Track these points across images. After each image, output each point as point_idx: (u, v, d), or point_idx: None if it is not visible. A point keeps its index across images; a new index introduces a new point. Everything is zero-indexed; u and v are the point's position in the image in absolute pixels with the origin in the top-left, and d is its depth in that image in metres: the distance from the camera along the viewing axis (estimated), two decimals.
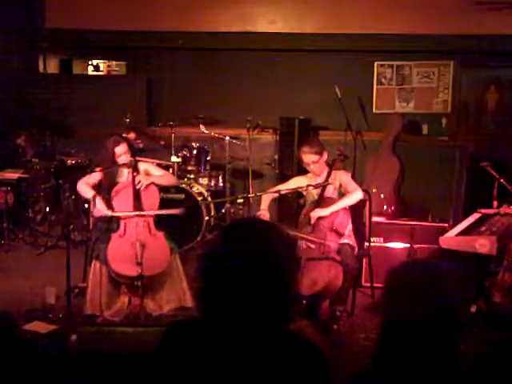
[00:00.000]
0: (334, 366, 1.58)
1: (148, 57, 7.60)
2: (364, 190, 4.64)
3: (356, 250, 4.39)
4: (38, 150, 6.50)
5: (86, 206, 5.12)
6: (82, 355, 3.43)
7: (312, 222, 4.28)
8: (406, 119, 7.03)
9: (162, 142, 6.44)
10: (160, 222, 4.48)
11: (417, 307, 1.59)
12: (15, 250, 5.85)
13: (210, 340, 1.50)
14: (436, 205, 6.44)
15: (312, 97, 7.19)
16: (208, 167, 6.33)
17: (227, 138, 6.39)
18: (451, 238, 4.28)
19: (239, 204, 6.45)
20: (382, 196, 6.24)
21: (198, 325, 1.56)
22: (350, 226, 4.43)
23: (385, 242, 5.05)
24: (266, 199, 4.55)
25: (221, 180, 6.42)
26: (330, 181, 4.43)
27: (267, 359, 1.46)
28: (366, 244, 4.71)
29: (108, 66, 8.40)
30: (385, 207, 5.95)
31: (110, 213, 4.30)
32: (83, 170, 6.09)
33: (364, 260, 4.85)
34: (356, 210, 4.70)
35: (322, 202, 4.39)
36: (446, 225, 5.06)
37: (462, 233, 4.33)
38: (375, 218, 5.04)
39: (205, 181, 6.28)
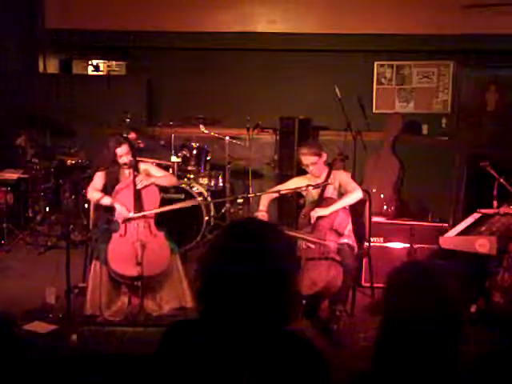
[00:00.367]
0: (333, 366, 1.59)
1: (148, 57, 7.59)
2: (364, 190, 4.64)
3: (356, 249, 4.39)
4: (37, 150, 6.50)
5: (86, 206, 5.12)
6: (82, 355, 3.43)
7: (312, 221, 4.29)
8: (405, 119, 7.03)
9: (162, 142, 6.44)
10: (160, 222, 4.49)
11: (417, 307, 1.59)
12: (15, 249, 5.85)
13: (210, 340, 1.50)
14: (436, 205, 6.43)
15: (312, 97, 7.19)
16: (208, 167, 6.33)
17: (227, 138, 6.39)
18: (451, 238, 4.28)
19: (239, 204, 6.45)
20: (382, 196, 6.24)
21: (198, 325, 1.56)
22: (349, 226, 4.44)
23: (385, 242, 5.05)
24: (265, 200, 4.55)
25: (221, 180, 6.42)
26: (329, 181, 4.43)
27: (267, 359, 1.46)
28: (366, 244, 4.71)
29: (108, 66, 8.40)
30: (385, 207, 5.95)
31: (131, 214, 4.31)
32: (83, 170, 6.11)
33: (364, 260, 4.85)
34: (356, 210, 4.71)
35: (321, 201, 4.39)
36: (446, 225, 5.07)
37: (462, 233, 4.33)
38: (375, 218, 5.04)
39: (205, 181, 6.28)
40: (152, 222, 4.41)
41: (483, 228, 4.28)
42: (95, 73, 8.25)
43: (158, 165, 5.25)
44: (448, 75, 7.35)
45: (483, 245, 3.99)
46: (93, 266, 4.26)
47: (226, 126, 6.66)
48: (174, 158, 6.14)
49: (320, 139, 6.77)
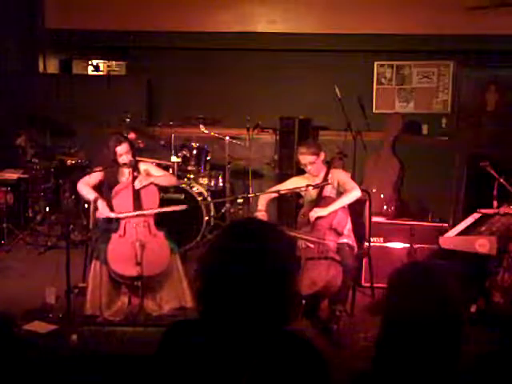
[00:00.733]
0: (333, 366, 1.59)
1: (148, 57, 7.59)
2: (364, 190, 4.64)
3: (355, 249, 4.39)
4: (37, 150, 6.50)
5: (86, 206, 5.12)
6: (82, 355, 3.43)
7: (311, 220, 4.29)
8: (405, 119, 7.03)
9: (162, 142, 6.44)
10: (160, 222, 4.49)
11: (418, 307, 1.59)
12: (15, 249, 5.85)
13: (210, 340, 1.50)
14: (436, 205, 6.43)
15: (312, 97, 7.19)
16: (208, 167, 6.33)
17: (227, 138, 6.39)
18: (451, 238, 4.28)
19: (239, 204, 6.45)
20: (382, 196, 6.24)
21: (198, 325, 1.56)
22: (349, 226, 4.44)
23: (385, 242, 5.05)
24: (263, 200, 4.56)
25: (221, 180, 6.41)
26: (329, 180, 4.43)
27: (267, 359, 1.46)
28: (366, 244, 4.71)
29: (108, 66, 8.40)
30: (385, 207, 5.95)
31: (112, 214, 4.31)
32: (83, 170, 6.10)
33: (364, 260, 4.85)
34: (356, 210, 4.71)
35: (320, 201, 4.39)
36: (446, 225, 5.07)
37: (462, 233, 4.33)
38: (375, 218, 5.04)
39: (205, 181, 6.28)
40: (152, 221, 4.41)
41: (483, 228, 4.28)
42: (95, 73, 8.25)
43: (158, 165, 5.25)
44: (448, 75, 7.35)
45: (483, 245, 3.99)
46: (93, 266, 4.26)
47: (225, 125, 6.66)
48: (173, 158, 6.14)
49: (320, 139, 6.77)
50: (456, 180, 6.74)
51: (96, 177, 4.51)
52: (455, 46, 7.10)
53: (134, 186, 4.38)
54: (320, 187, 4.45)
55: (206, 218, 5.81)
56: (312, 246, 4.18)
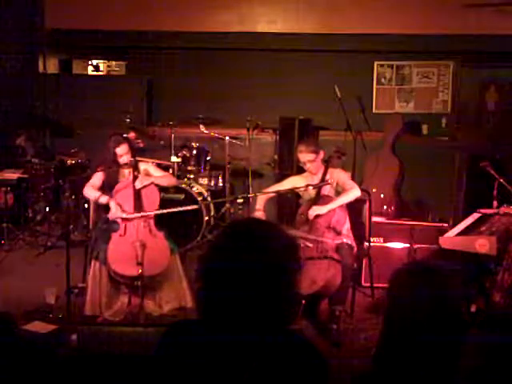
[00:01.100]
0: (333, 365, 1.59)
1: (148, 57, 7.59)
2: (364, 190, 4.64)
3: (355, 249, 4.39)
4: (37, 150, 6.50)
5: (86, 206, 5.12)
6: (82, 355, 3.43)
7: (310, 218, 4.28)
8: (405, 119, 7.03)
9: (162, 142, 6.44)
10: (160, 221, 4.49)
11: (420, 307, 1.59)
12: (15, 249, 5.85)
13: (211, 340, 1.50)
14: (436, 205, 6.43)
15: (312, 97, 7.19)
16: (208, 167, 6.33)
17: (227, 138, 6.39)
18: (451, 238, 4.28)
19: (239, 204, 6.44)
20: (382, 196, 6.24)
21: (198, 325, 1.56)
22: (347, 226, 4.43)
23: (385, 242, 5.05)
24: (261, 199, 4.56)
25: (221, 180, 6.42)
26: (327, 179, 4.42)
27: (268, 359, 1.46)
28: (366, 244, 4.71)
29: (108, 66, 8.40)
30: (385, 207, 5.95)
31: (124, 215, 4.31)
32: (83, 170, 6.11)
33: (364, 260, 4.85)
34: (355, 210, 4.70)
35: (318, 200, 4.39)
36: (446, 225, 5.07)
37: (462, 233, 4.32)
38: (375, 218, 5.04)
39: (205, 181, 6.28)
40: (152, 222, 4.41)
41: (483, 228, 4.28)
42: (95, 73, 8.26)
43: (158, 165, 5.25)
44: (448, 75, 7.35)
45: (483, 245, 3.99)
46: (93, 265, 4.26)
47: (225, 126, 6.66)
48: (173, 158, 6.14)
49: (320, 139, 6.77)
50: (456, 180, 6.74)
51: (99, 178, 4.52)
52: (455, 46, 7.10)
53: (134, 186, 4.39)
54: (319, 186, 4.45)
55: (206, 218, 5.82)
56: (311, 245, 4.17)
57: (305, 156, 4.43)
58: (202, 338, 1.52)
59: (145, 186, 4.44)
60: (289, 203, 6.19)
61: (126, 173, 4.52)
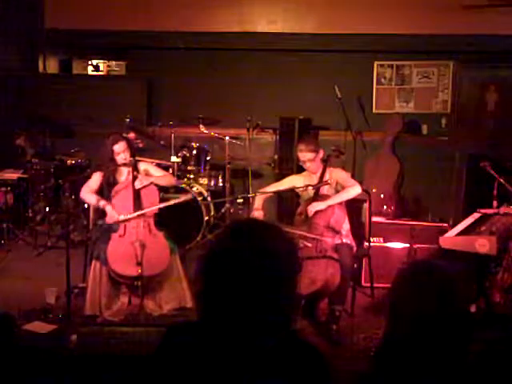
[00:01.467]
0: (333, 366, 1.58)
1: (148, 57, 7.59)
2: (364, 190, 4.64)
3: (354, 249, 4.39)
4: (38, 150, 6.50)
5: (86, 206, 5.12)
6: (82, 355, 3.43)
7: (309, 215, 4.28)
8: (405, 119, 7.03)
9: (162, 142, 6.44)
10: (160, 221, 4.49)
11: (424, 308, 1.59)
12: (15, 249, 5.85)
13: (211, 342, 1.50)
14: (436, 205, 6.43)
15: (312, 97, 7.19)
16: (208, 167, 6.33)
17: (227, 138, 6.39)
18: (451, 237, 4.28)
19: (239, 204, 6.44)
20: (382, 196, 6.24)
21: (197, 327, 1.55)
22: (347, 226, 4.43)
23: (385, 241, 5.05)
24: (260, 198, 4.56)
25: (221, 180, 6.42)
26: (327, 179, 4.42)
27: (268, 361, 1.46)
28: (366, 244, 4.71)
29: (108, 66, 8.41)
30: (385, 207, 5.94)
31: (122, 217, 4.31)
32: (83, 170, 6.11)
33: (364, 260, 4.85)
34: (355, 210, 4.70)
35: (317, 198, 4.39)
36: (446, 225, 5.07)
37: (462, 233, 4.32)
38: (375, 218, 5.04)
39: (205, 181, 6.28)
40: (152, 221, 4.41)
41: (483, 228, 4.28)
42: (95, 73, 8.26)
43: (158, 165, 5.25)
44: (448, 75, 7.35)
45: (483, 245, 3.99)
46: (92, 266, 4.26)
47: (225, 125, 6.66)
48: (173, 158, 6.14)
49: (320, 139, 6.76)
50: (456, 180, 6.74)
51: (96, 180, 4.50)
52: (455, 46, 7.09)
53: (134, 186, 4.38)
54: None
55: (206, 217, 5.82)
56: (310, 245, 4.17)
57: (305, 155, 4.43)
58: (201, 339, 1.51)
59: (144, 186, 4.44)
60: (288, 202, 6.19)
61: (125, 172, 4.52)
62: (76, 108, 7.00)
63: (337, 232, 4.32)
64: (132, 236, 4.27)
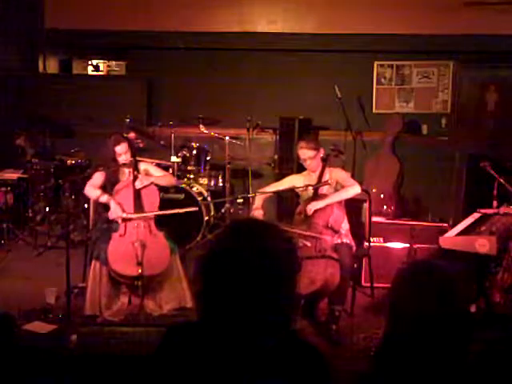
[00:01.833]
0: (333, 366, 1.58)
1: (148, 57, 7.59)
2: (364, 190, 4.64)
3: (354, 248, 4.39)
4: (38, 150, 6.50)
5: (86, 205, 5.13)
6: (82, 355, 3.43)
7: (309, 213, 4.28)
8: (405, 119, 7.03)
9: (162, 142, 6.44)
10: (160, 221, 4.49)
11: (424, 308, 1.59)
12: (15, 249, 5.85)
13: (211, 342, 1.50)
14: (436, 205, 6.43)
15: (312, 97, 7.19)
16: (208, 167, 6.33)
17: (227, 138, 6.39)
18: (451, 237, 4.28)
19: (239, 204, 6.45)
20: (382, 196, 6.24)
21: (197, 327, 1.55)
22: (346, 226, 4.43)
23: (385, 241, 5.05)
24: (260, 198, 4.56)
25: (220, 180, 6.42)
26: (327, 179, 4.42)
27: (268, 361, 1.46)
28: (366, 244, 4.71)
29: (108, 66, 8.41)
30: (384, 207, 5.95)
31: (124, 214, 4.31)
32: (83, 170, 6.11)
33: (364, 260, 4.85)
34: (355, 210, 4.71)
35: (316, 198, 4.39)
36: (446, 225, 5.07)
37: (462, 233, 4.32)
38: (375, 218, 5.04)
39: (204, 181, 6.28)
40: (152, 221, 4.41)
41: (483, 228, 4.28)
42: (95, 73, 8.26)
43: (158, 165, 5.25)
44: (448, 75, 7.34)
45: (483, 245, 3.99)
46: (93, 266, 4.26)
47: (225, 125, 6.66)
48: (173, 158, 6.14)
49: (320, 139, 6.76)
50: (456, 180, 6.74)
51: (99, 178, 4.51)
52: (455, 46, 7.09)
53: (134, 186, 4.38)
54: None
55: (206, 217, 5.82)
56: (309, 244, 4.17)
57: (305, 152, 4.43)
58: (201, 340, 1.51)
59: (145, 186, 4.44)
60: (288, 202, 6.19)
61: (127, 172, 4.52)
62: (76, 108, 7.00)
63: (336, 231, 4.32)
64: (132, 236, 4.27)
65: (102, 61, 8.35)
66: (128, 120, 6.27)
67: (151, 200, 4.45)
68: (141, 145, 6.08)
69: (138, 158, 4.72)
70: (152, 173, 4.64)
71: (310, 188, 4.43)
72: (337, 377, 1.56)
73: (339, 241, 4.29)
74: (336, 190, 4.45)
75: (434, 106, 7.42)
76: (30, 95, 7.12)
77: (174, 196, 5.69)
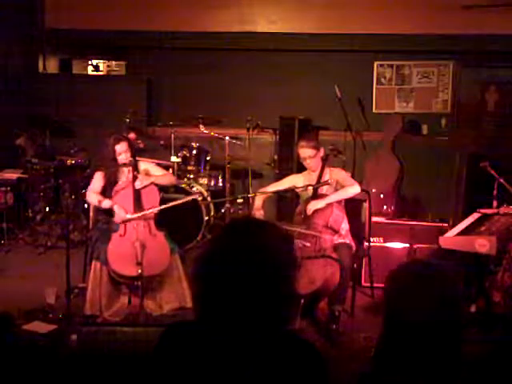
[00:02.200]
0: (333, 366, 1.59)
1: (148, 57, 7.59)
2: (364, 190, 4.64)
3: (353, 248, 4.39)
4: (37, 150, 6.50)
5: (86, 206, 5.13)
6: (82, 355, 3.43)
7: (308, 213, 4.28)
8: (405, 119, 7.03)
9: (162, 142, 6.44)
10: (160, 222, 4.49)
11: (419, 306, 1.59)
12: (15, 249, 5.85)
13: (208, 341, 1.50)
14: (436, 205, 6.43)
15: (312, 97, 7.19)
16: (208, 167, 6.33)
17: (227, 138, 6.39)
18: (451, 237, 4.28)
19: (239, 204, 6.45)
20: (382, 196, 6.24)
21: (196, 326, 1.55)
22: (346, 226, 4.43)
23: (384, 241, 5.05)
24: (260, 198, 4.56)
25: (221, 180, 6.42)
26: (327, 179, 4.42)
27: (266, 361, 1.46)
28: (366, 244, 4.71)
29: (108, 66, 8.41)
30: (384, 207, 5.95)
31: (129, 215, 4.30)
32: (83, 170, 6.11)
33: (364, 260, 4.85)
34: (355, 210, 4.71)
35: (316, 198, 4.39)
36: (446, 225, 5.07)
37: (462, 233, 4.33)
38: (375, 218, 5.04)
39: (204, 181, 6.28)
40: (152, 222, 4.41)
41: (483, 228, 4.28)
42: (95, 73, 8.26)
43: (158, 165, 5.25)
44: (448, 75, 7.34)
45: (483, 245, 3.99)
46: (93, 266, 4.26)
47: (225, 125, 6.66)
48: (173, 158, 6.14)
49: (320, 139, 6.76)
50: (456, 180, 6.74)
51: (99, 181, 4.50)
52: (455, 46, 7.08)
53: (134, 186, 4.38)
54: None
55: (206, 217, 5.82)
56: (308, 244, 4.17)
57: (305, 151, 4.43)
58: (200, 339, 1.52)
59: (145, 186, 4.43)
60: (288, 202, 6.19)
61: (126, 172, 4.52)
62: (76, 108, 7.00)
63: (336, 231, 4.32)
64: (132, 236, 4.27)
65: (101, 61, 8.35)
66: (128, 120, 6.27)
67: (151, 200, 4.45)
68: (141, 145, 6.09)
69: (138, 158, 4.72)
70: (152, 172, 4.63)
71: (310, 188, 4.43)
72: (337, 377, 1.56)
73: (339, 241, 4.29)
74: (336, 190, 4.45)
75: (434, 106, 7.41)
76: (30, 95, 7.12)
77: (174, 196, 5.69)
